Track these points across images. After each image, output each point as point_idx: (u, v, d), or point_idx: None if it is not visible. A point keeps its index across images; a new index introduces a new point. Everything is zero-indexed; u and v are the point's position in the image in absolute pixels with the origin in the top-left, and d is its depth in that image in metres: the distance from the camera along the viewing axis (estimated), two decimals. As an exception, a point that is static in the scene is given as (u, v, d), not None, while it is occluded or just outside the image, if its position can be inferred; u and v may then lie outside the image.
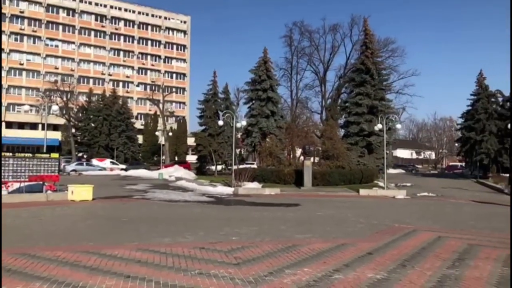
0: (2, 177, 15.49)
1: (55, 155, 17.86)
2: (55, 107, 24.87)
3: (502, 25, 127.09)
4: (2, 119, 56.02)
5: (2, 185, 15.55)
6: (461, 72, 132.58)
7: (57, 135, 60.45)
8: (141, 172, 38.64)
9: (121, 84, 79.23)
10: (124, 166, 45.85)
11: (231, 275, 6.06)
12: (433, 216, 13.95)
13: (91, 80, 75.67)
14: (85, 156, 53.71)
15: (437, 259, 7.24)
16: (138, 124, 68.01)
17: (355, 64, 40.38)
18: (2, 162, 15.48)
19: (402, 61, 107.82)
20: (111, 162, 47.18)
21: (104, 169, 43.30)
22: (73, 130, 55.63)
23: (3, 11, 60.48)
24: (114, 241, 8.67)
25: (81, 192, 16.62)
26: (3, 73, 64.25)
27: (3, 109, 59.24)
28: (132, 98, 78.24)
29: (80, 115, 58.45)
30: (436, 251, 7.93)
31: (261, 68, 38.41)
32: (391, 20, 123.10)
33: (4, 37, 64.49)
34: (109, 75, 78.62)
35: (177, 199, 18.53)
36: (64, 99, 53.73)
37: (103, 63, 78.29)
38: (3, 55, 63.10)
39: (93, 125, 55.60)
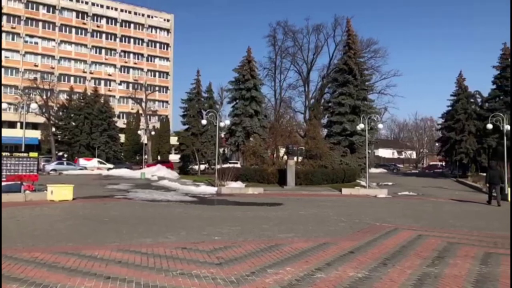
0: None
1: (33, 154, 17.49)
2: (34, 105, 24.42)
3: (482, 26, 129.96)
4: None
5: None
6: (442, 73, 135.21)
7: (36, 134, 59.34)
8: (123, 172, 38.17)
9: (103, 82, 78.21)
10: (111, 166, 45.25)
11: (213, 275, 6.02)
12: (413, 215, 14.14)
13: (72, 78, 74.49)
14: (65, 156, 52.80)
15: (418, 258, 7.34)
16: (120, 123, 67.24)
17: (338, 65, 40.68)
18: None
19: (384, 62, 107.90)
20: (98, 161, 46.51)
21: (85, 168, 42.63)
22: (53, 129, 54.59)
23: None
24: (94, 241, 8.52)
25: (60, 192, 16.32)
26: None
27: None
28: (114, 96, 77.28)
29: (61, 113, 57.42)
30: (417, 250, 8.03)
31: (245, 68, 38.41)
32: (373, 21, 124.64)
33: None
34: (91, 73, 77.51)
35: (160, 198, 18.36)
36: (44, 97, 52.69)
37: (85, 61, 77.14)
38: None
39: (74, 123, 54.70)
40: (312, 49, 62.52)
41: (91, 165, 43.86)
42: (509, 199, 19.57)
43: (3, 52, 67.55)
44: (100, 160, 47.81)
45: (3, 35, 67.94)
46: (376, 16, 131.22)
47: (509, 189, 20.67)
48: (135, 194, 19.94)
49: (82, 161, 45.10)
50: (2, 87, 66.50)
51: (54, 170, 39.39)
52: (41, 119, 55.26)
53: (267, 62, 62.35)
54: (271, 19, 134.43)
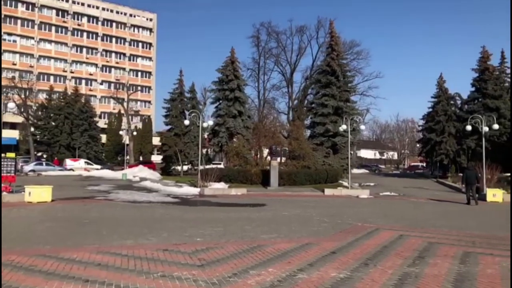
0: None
1: (11, 154, 17.10)
2: (12, 105, 23.91)
3: (461, 29, 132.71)
4: None
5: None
6: (423, 75, 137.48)
7: (14, 134, 58.05)
8: (104, 173, 37.63)
9: (84, 81, 77.04)
10: (99, 167, 44.52)
11: (195, 276, 5.96)
12: (395, 215, 14.31)
13: (51, 77, 73.13)
14: (44, 156, 51.77)
15: (398, 258, 7.41)
16: (102, 123, 66.28)
17: (321, 66, 40.97)
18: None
19: (366, 64, 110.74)
20: (85, 162, 45.73)
21: (65, 169, 41.86)
22: (32, 129, 53.45)
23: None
24: (73, 243, 8.34)
25: (39, 193, 15.95)
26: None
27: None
28: (95, 96, 76.21)
29: (40, 113, 56.25)
30: (398, 250, 8.11)
31: (228, 68, 38.30)
32: (356, 23, 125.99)
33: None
34: (71, 72, 76.24)
35: (141, 200, 18.13)
36: (22, 96, 51.56)
37: (65, 60, 75.85)
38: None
39: (53, 123, 53.67)
40: (295, 50, 62.88)
41: (78, 166, 43.10)
42: (487, 199, 20.00)
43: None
44: (88, 161, 47.02)
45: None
46: (359, 18, 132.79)
47: (487, 189, 21.15)
48: (116, 195, 19.65)
49: (69, 162, 44.30)
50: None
51: (33, 171, 38.56)
52: (19, 119, 54.08)
53: (250, 63, 62.42)
54: (254, 20, 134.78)
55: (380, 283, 5.82)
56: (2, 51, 60.64)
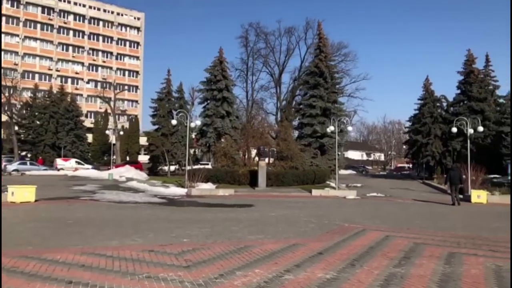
0: None
1: (-6, 153, 16.73)
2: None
3: (448, 32, 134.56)
4: None
5: None
6: (410, 78, 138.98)
7: (-3, 133, 56.98)
8: (90, 172, 37.17)
9: (70, 80, 76.09)
10: (90, 166, 43.90)
11: (181, 278, 5.90)
12: (381, 216, 14.40)
13: (36, 76, 72.08)
14: (28, 155, 50.95)
15: (385, 258, 7.44)
16: (88, 123, 65.55)
17: (309, 67, 41.08)
18: None
19: (354, 65, 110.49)
20: (76, 162, 45.07)
21: (56, 169, 41.19)
22: (16, 128, 52.56)
23: None
24: (57, 244, 8.20)
25: (22, 193, 15.66)
26: None
27: None
28: (81, 95, 75.36)
29: (24, 112, 55.37)
30: (384, 250, 8.15)
31: (216, 68, 38.21)
32: (344, 25, 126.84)
33: None
34: (57, 70, 75.25)
35: (127, 200, 17.94)
36: (6, 94, 50.66)
37: (50, 58, 74.83)
38: None
39: (38, 122, 52.86)
40: (284, 51, 62.99)
41: (69, 166, 42.46)
42: (472, 200, 20.26)
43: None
44: (78, 160, 46.37)
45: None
46: (347, 20, 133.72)
47: (472, 190, 21.43)
48: (102, 196, 19.41)
49: (59, 162, 43.62)
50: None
51: (16, 170, 37.90)
52: (3, 117, 53.11)
53: (239, 63, 62.31)
54: (243, 20, 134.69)
55: (366, 283, 5.83)
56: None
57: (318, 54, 38.23)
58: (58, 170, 40.63)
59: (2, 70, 47.81)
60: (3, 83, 51.41)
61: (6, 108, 50.11)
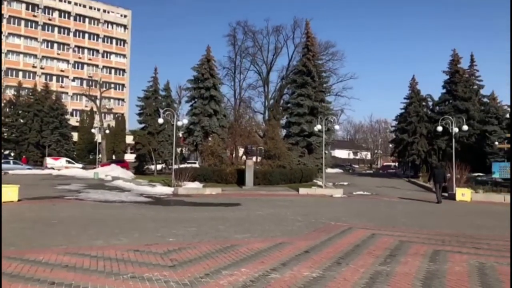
0: None
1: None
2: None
3: (434, 32, 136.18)
4: None
5: None
6: (396, 77, 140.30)
7: (-21, 131, 55.92)
8: (75, 171, 36.69)
9: (54, 78, 74.98)
10: (80, 165, 43.29)
11: (166, 277, 5.85)
12: (367, 214, 14.49)
13: (20, 73, 70.88)
14: (12, 154, 50.09)
15: (370, 256, 7.48)
16: (73, 121, 64.72)
17: (297, 66, 41.19)
18: None
19: (341, 65, 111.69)
20: (66, 161, 44.41)
21: (46, 168, 40.55)
22: (-1, 126, 51.60)
23: None
24: (40, 245, 8.04)
25: (4, 193, 15.34)
26: None
27: None
28: (67, 93, 74.35)
29: (7, 110, 54.41)
30: (370, 248, 8.20)
31: (204, 66, 38.02)
32: (331, 24, 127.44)
33: None
34: (42, 68, 74.08)
35: (113, 199, 17.73)
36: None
37: (35, 55, 73.66)
38: None
39: (22, 121, 52.02)
40: (271, 50, 63.08)
41: (59, 165, 41.83)
42: (456, 198, 20.55)
43: None
44: (69, 159, 45.69)
45: None
46: (334, 20, 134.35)
47: (456, 189, 21.73)
48: (87, 195, 19.16)
49: (49, 161, 43.01)
50: None
51: (-1, 169, 37.16)
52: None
53: (226, 62, 62.24)
54: (231, 19, 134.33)
55: (352, 281, 5.85)
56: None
57: (306, 53, 38.33)
58: (49, 169, 40.04)
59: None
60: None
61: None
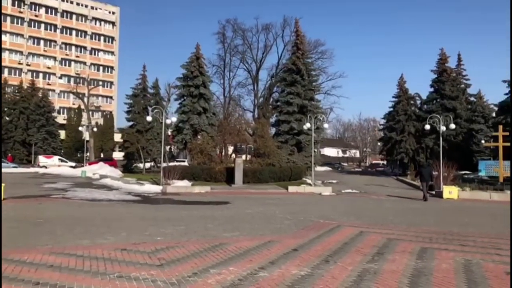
0: None
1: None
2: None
3: (421, 32, 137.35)
4: None
5: None
6: (385, 76, 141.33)
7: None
8: (62, 170, 36.26)
9: (41, 75, 73.94)
10: (73, 164, 42.77)
11: (153, 277, 5.79)
12: (356, 212, 14.56)
13: (6, 70, 69.70)
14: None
15: (358, 254, 7.51)
16: (61, 119, 63.95)
17: (286, 64, 41.20)
18: None
19: (330, 63, 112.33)
20: (59, 159, 43.83)
21: (39, 166, 39.99)
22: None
23: None
24: (25, 245, 7.91)
25: (-10, 192, 15.09)
26: None
27: None
28: (54, 90, 73.35)
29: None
30: (358, 246, 8.22)
31: (193, 64, 37.83)
32: (321, 23, 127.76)
33: None
34: (28, 65, 72.98)
35: (100, 198, 17.56)
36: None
37: (21, 52, 72.54)
38: None
39: (7, 118, 51.17)
40: (261, 48, 63.04)
41: (52, 163, 41.30)
42: (444, 196, 20.77)
43: None
44: (62, 158, 45.09)
45: None
46: (324, 18, 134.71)
47: (443, 186, 21.97)
48: (74, 193, 18.95)
49: (42, 159, 42.48)
50: None
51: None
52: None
53: (216, 60, 62.04)
54: (220, 16, 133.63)
55: (340, 279, 5.86)
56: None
57: (295, 52, 38.35)
58: (41, 167, 39.51)
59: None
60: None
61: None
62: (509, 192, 21.31)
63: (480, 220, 13.08)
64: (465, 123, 41.56)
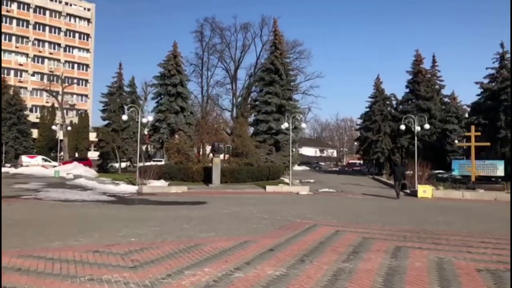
0: None
1: None
2: None
3: (397, 33, 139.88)
4: None
5: None
6: (361, 76, 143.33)
7: None
8: (34, 170, 35.29)
9: (12, 72, 71.78)
10: (56, 163, 41.53)
11: (126, 279, 5.65)
12: (332, 211, 14.67)
13: (-25, 66, 67.28)
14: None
15: (334, 253, 7.54)
16: (33, 117, 62.16)
17: (265, 64, 41.24)
18: None
19: (308, 63, 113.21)
20: (42, 159, 42.48)
21: (21, 166, 38.66)
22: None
23: None
24: (-8, 247, 7.62)
25: (-44, 192, 14.53)
26: None
27: None
28: (26, 88, 71.33)
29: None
30: (334, 245, 8.26)
31: (170, 62, 37.43)
32: (299, 23, 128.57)
33: None
34: (-2, 61, 70.63)
35: (74, 198, 17.14)
36: None
37: (-9, 48, 70.09)
38: None
39: (-24, 116, 49.46)
40: (239, 47, 62.86)
41: (35, 163, 40.02)
42: (418, 195, 21.17)
43: None
44: (45, 158, 43.73)
45: None
46: (301, 18, 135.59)
47: (418, 185, 22.39)
48: (46, 194, 18.44)
49: (25, 159, 41.07)
50: None
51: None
52: None
53: (194, 58, 61.50)
54: (198, 15, 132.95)
55: (315, 279, 5.85)
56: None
57: (273, 51, 38.42)
58: (24, 167, 38.26)
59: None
60: None
61: None
62: (481, 190, 21.94)
63: (453, 218, 13.37)
64: (439, 123, 42.46)
